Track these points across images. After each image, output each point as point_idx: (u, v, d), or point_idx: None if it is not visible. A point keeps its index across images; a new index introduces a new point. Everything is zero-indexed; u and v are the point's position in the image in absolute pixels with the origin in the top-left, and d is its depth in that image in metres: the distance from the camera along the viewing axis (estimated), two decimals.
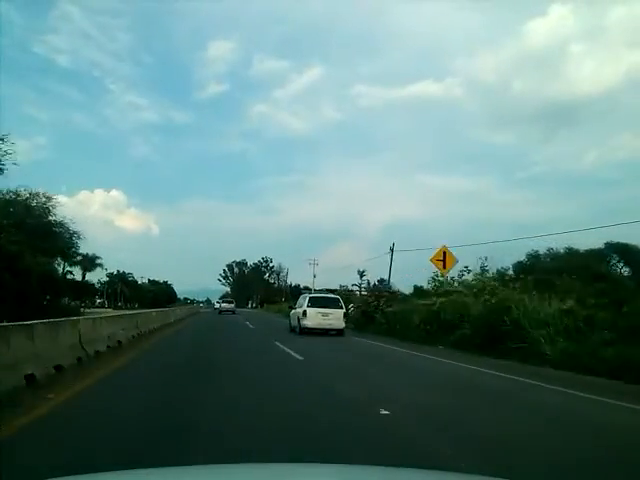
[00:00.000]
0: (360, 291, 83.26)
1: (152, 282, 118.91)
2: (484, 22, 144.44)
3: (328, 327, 20.35)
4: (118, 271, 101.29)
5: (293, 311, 23.08)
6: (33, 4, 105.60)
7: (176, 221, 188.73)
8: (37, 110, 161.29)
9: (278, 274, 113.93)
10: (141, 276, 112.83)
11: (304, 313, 20.32)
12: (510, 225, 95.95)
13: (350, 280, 77.46)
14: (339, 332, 20.60)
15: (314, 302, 20.72)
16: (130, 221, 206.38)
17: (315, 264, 74.01)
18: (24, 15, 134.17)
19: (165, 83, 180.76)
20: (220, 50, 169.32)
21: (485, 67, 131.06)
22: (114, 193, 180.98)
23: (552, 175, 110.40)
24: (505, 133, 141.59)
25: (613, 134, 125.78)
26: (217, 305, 74.17)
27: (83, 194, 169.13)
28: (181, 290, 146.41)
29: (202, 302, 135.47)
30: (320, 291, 57.09)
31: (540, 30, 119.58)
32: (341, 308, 20.86)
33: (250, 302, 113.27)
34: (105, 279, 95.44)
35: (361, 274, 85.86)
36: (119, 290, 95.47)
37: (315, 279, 75.20)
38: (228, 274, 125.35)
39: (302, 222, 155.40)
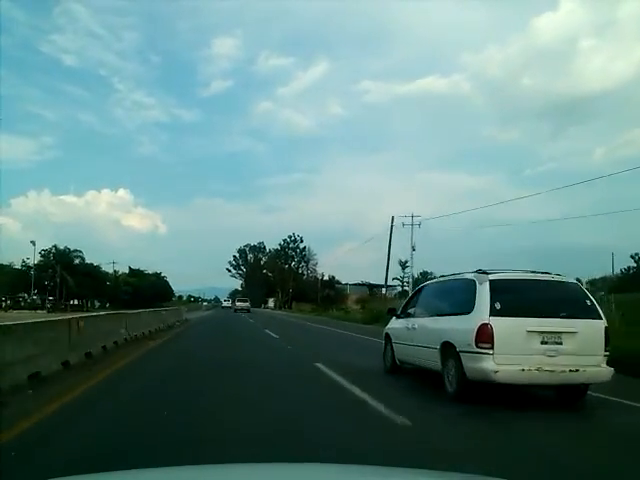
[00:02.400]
0: (403, 286, 65.99)
1: (134, 272, 76.38)
2: (492, 17, 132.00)
3: (563, 380, 6.21)
4: (56, 247, 62.96)
5: (404, 324, 8.51)
6: (39, 3, 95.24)
7: (183, 220, 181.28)
8: (44, 109, 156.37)
9: (307, 262, 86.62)
10: (112, 261, 74.51)
11: (481, 334, 6.06)
12: (518, 222, 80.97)
13: (362, 277, 60.35)
14: (579, 393, 6.62)
15: (509, 297, 6.31)
16: (137, 220, 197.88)
17: (417, 224, 43.41)
18: (29, 14, 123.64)
19: (171, 81, 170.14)
20: (225, 47, 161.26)
21: (492, 62, 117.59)
22: (121, 192, 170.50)
23: (560, 172, 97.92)
24: (513, 130, 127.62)
25: (624, 130, 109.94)
26: (225, 303, 68.99)
27: (91, 194, 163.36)
28: (189, 288, 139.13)
29: (208, 300, 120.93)
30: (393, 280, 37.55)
31: (549, 25, 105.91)
32: (596, 316, 6.45)
33: (274, 300, 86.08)
34: (40, 259, 60.68)
35: (403, 265, 67.34)
36: (58, 279, 58.19)
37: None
38: (240, 262, 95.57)
39: (308, 220, 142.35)
